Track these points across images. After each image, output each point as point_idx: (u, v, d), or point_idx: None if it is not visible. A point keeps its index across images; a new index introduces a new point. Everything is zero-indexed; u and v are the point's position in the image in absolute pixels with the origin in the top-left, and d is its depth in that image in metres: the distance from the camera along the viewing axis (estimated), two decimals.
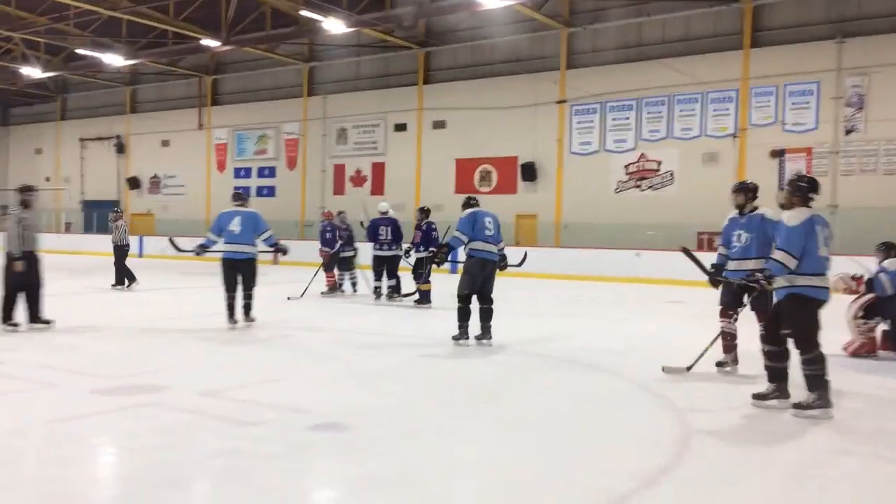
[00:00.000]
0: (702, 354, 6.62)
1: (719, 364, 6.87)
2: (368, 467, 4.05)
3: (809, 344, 5.26)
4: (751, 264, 6.39)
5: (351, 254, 13.94)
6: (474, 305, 8.24)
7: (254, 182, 29.18)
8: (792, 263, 5.18)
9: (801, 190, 5.39)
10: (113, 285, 14.34)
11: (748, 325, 6.56)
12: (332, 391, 5.94)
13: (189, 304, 12.67)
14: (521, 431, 4.88)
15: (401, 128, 25.77)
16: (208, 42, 23.63)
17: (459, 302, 8.19)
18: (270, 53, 26.94)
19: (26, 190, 8.85)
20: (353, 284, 14.01)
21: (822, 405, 5.22)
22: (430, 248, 11.82)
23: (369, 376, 6.62)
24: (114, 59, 25.79)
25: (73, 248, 29.75)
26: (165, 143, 32.08)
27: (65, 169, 35.61)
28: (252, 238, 9.33)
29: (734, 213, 6.87)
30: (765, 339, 5.60)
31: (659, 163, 21.09)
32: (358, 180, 26.76)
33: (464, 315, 8.18)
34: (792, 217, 5.29)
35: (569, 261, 19.47)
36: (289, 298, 12.80)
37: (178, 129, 31.19)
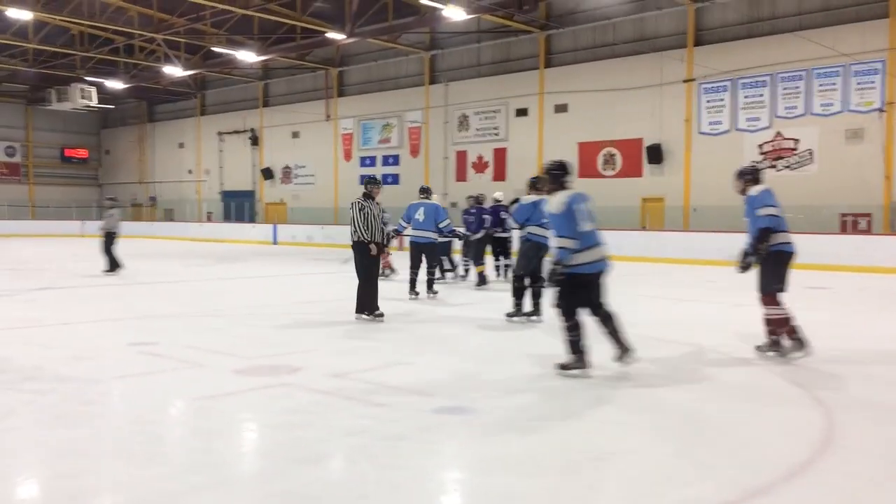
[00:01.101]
0: None
1: (758, 348, 6.69)
2: (493, 450, 4.09)
3: (571, 315, 5.77)
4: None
5: (479, 235, 13.77)
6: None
7: (378, 170, 29.86)
8: (574, 244, 5.59)
9: (556, 177, 5.84)
10: (105, 272, 14.39)
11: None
12: (456, 375, 6.02)
13: (321, 291, 13.17)
14: (652, 420, 4.78)
15: (522, 113, 25.63)
16: (334, 35, 24.39)
17: (514, 282, 8.67)
18: (393, 44, 27.44)
19: (370, 182, 9.09)
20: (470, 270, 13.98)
21: (580, 366, 5.80)
22: (463, 233, 13.36)
23: (496, 360, 6.66)
24: (247, 56, 27.13)
25: (215, 237, 31.65)
26: (295, 135, 33.39)
27: (205, 161, 37.78)
28: (433, 225, 11.13)
29: None
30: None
31: (796, 141, 19.96)
32: (480, 166, 26.87)
33: (518, 293, 8.64)
34: (553, 205, 5.71)
35: (699, 245, 18.78)
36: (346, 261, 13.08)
37: (307, 120, 32.38)
